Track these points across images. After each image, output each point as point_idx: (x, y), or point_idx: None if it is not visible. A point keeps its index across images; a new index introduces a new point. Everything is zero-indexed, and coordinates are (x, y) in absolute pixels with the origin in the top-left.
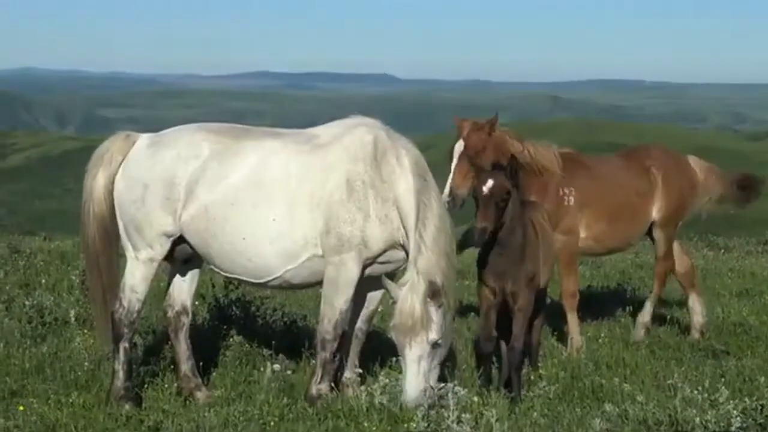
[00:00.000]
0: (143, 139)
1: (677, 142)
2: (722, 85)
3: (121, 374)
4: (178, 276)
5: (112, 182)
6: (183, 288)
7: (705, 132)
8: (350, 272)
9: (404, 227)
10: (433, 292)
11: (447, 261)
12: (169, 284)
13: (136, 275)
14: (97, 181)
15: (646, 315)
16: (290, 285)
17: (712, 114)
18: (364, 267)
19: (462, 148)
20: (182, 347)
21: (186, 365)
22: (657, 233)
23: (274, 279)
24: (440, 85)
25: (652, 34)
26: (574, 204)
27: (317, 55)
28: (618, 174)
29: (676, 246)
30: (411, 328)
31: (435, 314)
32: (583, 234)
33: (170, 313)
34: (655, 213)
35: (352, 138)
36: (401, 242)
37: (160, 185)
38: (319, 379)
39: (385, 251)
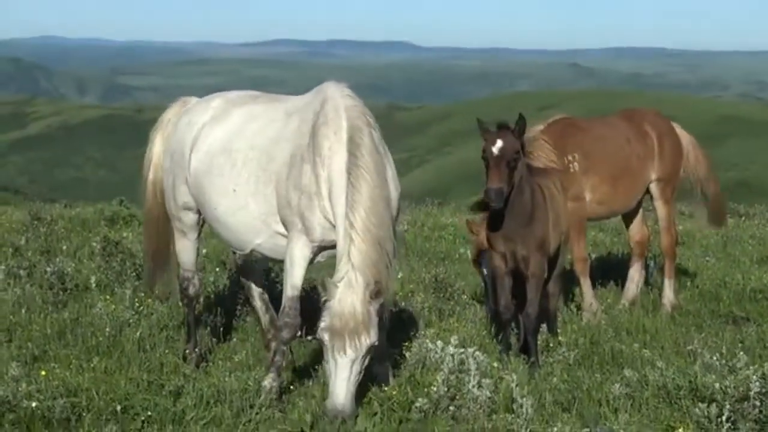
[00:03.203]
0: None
1: (700, 111)
2: (744, 52)
3: (186, 330)
4: None
5: None
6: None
7: (728, 100)
8: (299, 251)
9: (333, 209)
10: (377, 293)
11: (380, 250)
12: None
13: (178, 246)
14: (153, 147)
15: (669, 294)
16: (276, 259)
17: (734, 82)
18: (321, 248)
19: None
20: (257, 305)
21: (265, 318)
22: (656, 199)
23: (251, 251)
24: (460, 53)
25: (674, 1)
26: (579, 169)
27: (338, 22)
28: (618, 136)
29: (638, 215)
30: (353, 330)
31: (374, 315)
32: (587, 198)
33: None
34: (653, 175)
35: (307, 110)
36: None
37: (178, 154)
38: (267, 370)
39: (328, 236)
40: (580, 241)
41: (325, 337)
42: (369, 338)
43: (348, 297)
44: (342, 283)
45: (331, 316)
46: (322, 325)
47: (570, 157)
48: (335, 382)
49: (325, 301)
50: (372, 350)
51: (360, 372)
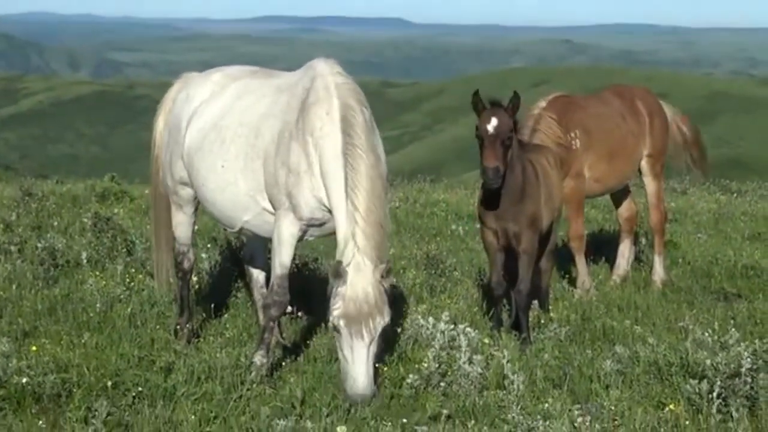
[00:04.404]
0: None
1: (692, 88)
2: (736, 29)
3: (179, 304)
4: None
5: None
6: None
7: (719, 77)
8: (287, 230)
9: (328, 191)
10: (388, 272)
11: (382, 231)
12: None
13: (174, 220)
14: (157, 125)
15: (659, 270)
16: (265, 237)
17: (726, 58)
18: (309, 226)
19: None
20: (254, 289)
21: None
22: (646, 175)
23: (240, 229)
24: (454, 29)
25: None
26: (580, 146)
27: None
28: (614, 114)
29: (627, 192)
30: (367, 314)
31: (386, 295)
32: (586, 175)
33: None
34: (645, 151)
35: (297, 86)
36: (325, 203)
37: (175, 129)
38: (256, 347)
39: (316, 214)
40: (578, 218)
41: (341, 323)
42: (383, 319)
43: (359, 281)
44: (350, 267)
45: (344, 301)
46: (336, 312)
47: (572, 134)
48: (354, 368)
49: (335, 288)
50: (383, 330)
51: (375, 354)
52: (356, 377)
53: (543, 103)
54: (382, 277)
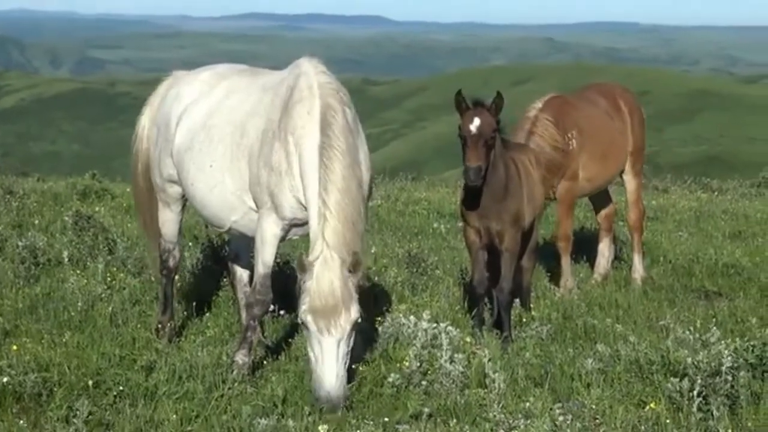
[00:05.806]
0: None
1: (672, 86)
2: (715, 27)
3: (162, 302)
4: None
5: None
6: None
7: (699, 75)
8: (269, 229)
9: (304, 190)
10: (355, 265)
11: (354, 229)
12: None
13: (161, 217)
14: (140, 120)
15: (639, 268)
16: (252, 237)
17: (706, 56)
18: (291, 226)
19: None
20: (238, 288)
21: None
22: (627, 173)
23: (228, 229)
24: (435, 27)
25: None
26: (576, 147)
27: None
28: (602, 113)
29: (606, 190)
30: (333, 308)
31: (354, 290)
32: (580, 176)
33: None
34: (628, 149)
35: (282, 85)
36: (304, 203)
37: (164, 126)
38: (238, 346)
39: (298, 214)
40: (568, 218)
41: (308, 318)
42: (351, 314)
43: (325, 275)
44: (318, 261)
45: (310, 296)
46: (303, 307)
47: (569, 135)
48: (323, 367)
49: (303, 282)
50: (356, 327)
51: (347, 353)
52: (326, 378)
53: (539, 104)
54: (349, 271)
